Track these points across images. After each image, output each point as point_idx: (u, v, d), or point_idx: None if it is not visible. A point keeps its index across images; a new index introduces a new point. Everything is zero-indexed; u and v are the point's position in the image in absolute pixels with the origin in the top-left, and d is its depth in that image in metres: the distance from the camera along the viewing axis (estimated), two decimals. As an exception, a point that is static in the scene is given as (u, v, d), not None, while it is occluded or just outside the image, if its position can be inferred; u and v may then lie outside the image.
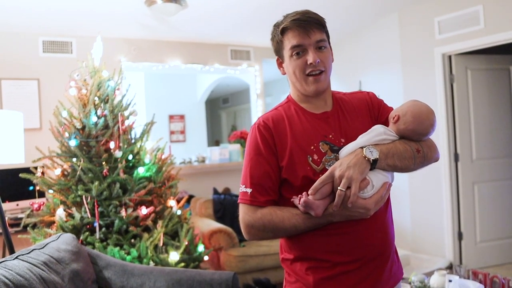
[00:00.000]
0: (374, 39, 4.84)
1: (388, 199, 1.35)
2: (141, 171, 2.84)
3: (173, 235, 2.92)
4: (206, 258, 3.05)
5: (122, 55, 4.71)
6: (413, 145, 1.25)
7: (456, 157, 4.11)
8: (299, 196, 1.21)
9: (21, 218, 3.40)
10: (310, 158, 1.25)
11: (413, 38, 4.35)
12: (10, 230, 2.42)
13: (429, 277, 2.52)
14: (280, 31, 1.32)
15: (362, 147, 1.20)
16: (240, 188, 1.31)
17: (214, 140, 10.03)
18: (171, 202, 2.95)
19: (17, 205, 3.77)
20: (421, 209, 4.36)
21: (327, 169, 1.22)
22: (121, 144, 2.77)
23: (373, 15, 4.60)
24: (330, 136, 1.28)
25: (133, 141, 2.93)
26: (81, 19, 4.05)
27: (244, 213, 1.29)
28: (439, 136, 4.11)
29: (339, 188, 1.14)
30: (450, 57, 4.11)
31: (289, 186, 1.28)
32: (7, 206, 3.64)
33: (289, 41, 1.29)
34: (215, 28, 4.71)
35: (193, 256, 2.87)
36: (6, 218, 2.32)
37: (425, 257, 4.18)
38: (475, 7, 3.74)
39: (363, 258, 1.25)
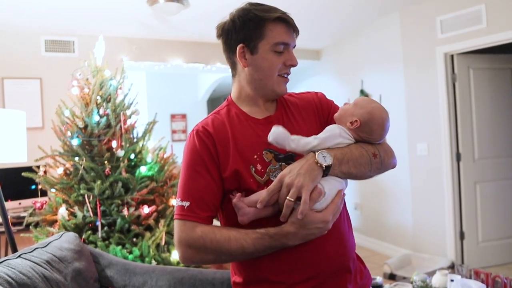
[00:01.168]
0: (376, 38, 4.83)
1: (345, 205, 1.25)
2: (143, 170, 2.84)
3: (175, 234, 2.92)
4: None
5: (124, 54, 4.71)
6: (369, 149, 1.15)
7: (458, 157, 4.10)
8: (233, 193, 1.12)
9: (23, 217, 3.41)
10: (253, 169, 1.13)
11: (414, 37, 4.34)
12: (13, 228, 2.42)
13: (431, 276, 2.52)
14: (271, 18, 1.16)
15: (314, 152, 1.09)
16: (176, 201, 1.15)
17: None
18: (173, 201, 2.95)
19: (20, 204, 3.78)
20: (423, 209, 4.36)
21: (272, 180, 1.10)
22: (123, 143, 2.78)
23: (375, 14, 4.59)
24: None
25: (135, 140, 2.94)
26: (83, 18, 4.05)
27: (180, 230, 1.11)
28: (441, 136, 4.10)
29: (287, 198, 1.03)
30: (452, 56, 4.10)
31: (231, 199, 1.14)
32: (10, 205, 3.65)
33: (277, 33, 1.16)
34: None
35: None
36: (9, 217, 2.32)
37: (426, 257, 4.18)
38: (477, 6, 3.73)
39: (321, 273, 1.13)
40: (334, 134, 1.14)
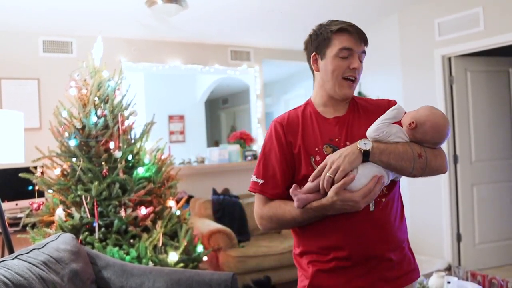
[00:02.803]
0: (374, 40, 4.80)
1: (398, 198, 1.40)
2: (140, 171, 2.84)
3: (172, 236, 2.92)
4: (205, 258, 3.05)
5: (122, 55, 4.71)
6: (416, 149, 1.26)
7: (456, 159, 4.11)
8: (294, 185, 1.29)
9: (20, 218, 3.40)
10: (313, 159, 1.32)
11: (413, 40, 4.36)
12: (9, 229, 2.42)
13: (427, 278, 2.52)
14: (335, 29, 1.35)
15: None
16: (252, 178, 1.40)
17: (213, 141, 10.03)
18: (171, 203, 2.95)
19: (17, 204, 3.77)
20: (420, 211, 4.36)
21: None
22: (120, 144, 2.78)
23: (373, 16, 4.61)
24: (336, 139, 1.34)
25: (132, 141, 2.94)
26: (81, 19, 4.05)
27: (256, 205, 1.40)
28: (439, 138, 4.11)
29: (327, 173, 1.20)
30: (450, 58, 4.11)
31: (296, 181, 1.35)
32: (6, 205, 3.64)
33: (341, 41, 1.34)
34: (215, 29, 4.71)
35: (192, 256, 2.88)
36: (5, 218, 2.32)
37: (424, 259, 4.18)
38: (475, 9, 3.75)
39: (358, 254, 1.29)
40: (390, 131, 1.26)
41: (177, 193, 3.13)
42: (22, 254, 1.72)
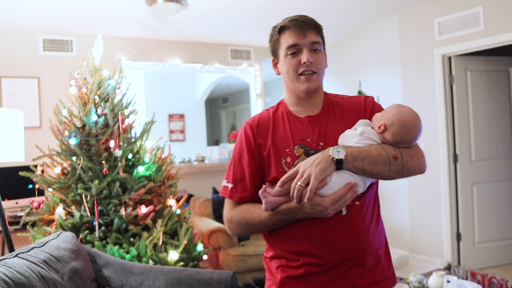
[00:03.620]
0: (374, 40, 4.85)
1: (374, 202, 1.34)
2: (140, 170, 2.84)
3: (172, 234, 2.92)
4: (205, 257, 3.05)
5: (123, 54, 4.71)
6: (390, 151, 1.21)
7: (455, 158, 4.12)
8: (264, 185, 1.27)
9: (20, 216, 3.40)
10: (284, 161, 1.29)
11: (413, 39, 4.36)
12: (10, 228, 2.42)
13: (427, 277, 2.52)
14: (278, 30, 1.35)
15: (331, 147, 1.20)
16: (223, 182, 1.39)
17: (213, 140, 10.04)
18: (171, 201, 2.95)
19: (17, 203, 3.77)
20: (420, 210, 4.37)
21: None
22: (121, 143, 2.78)
23: (373, 16, 4.60)
24: (308, 139, 1.29)
25: (133, 140, 2.94)
26: (81, 17, 4.05)
27: (225, 209, 1.38)
28: (438, 137, 4.12)
29: (298, 183, 1.15)
30: (449, 58, 4.11)
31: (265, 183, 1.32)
32: (7, 204, 3.64)
33: (286, 40, 1.33)
34: (215, 28, 4.71)
35: (192, 255, 2.88)
36: (6, 216, 2.32)
37: (423, 258, 4.19)
38: (475, 8, 3.75)
39: (328, 260, 1.24)
40: (357, 132, 1.24)
41: (177, 192, 3.13)
42: (22, 253, 1.72)
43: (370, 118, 1.33)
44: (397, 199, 4.60)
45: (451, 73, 4.12)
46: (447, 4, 3.99)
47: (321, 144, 1.28)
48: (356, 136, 1.23)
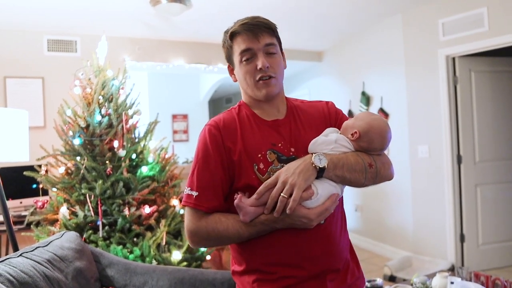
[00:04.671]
0: (378, 40, 4.84)
1: (341, 207, 1.33)
2: (144, 170, 2.85)
3: (175, 234, 2.93)
4: (208, 257, 3.05)
5: (127, 54, 4.72)
6: (366, 159, 1.22)
7: (459, 159, 4.10)
8: (235, 195, 1.19)
9: (24, 216, 3.42)
10: (256, 167, 1.21)
11: (416, 40, 4.35)
12: (14, 227, 2.43)
13: (431, 278, 2.52)
14: (229, 36, 1.29)
15: (312, 154, 1.18)
16: (185, 190, 1.26)
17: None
18: (174, 201, 2.96)
19: (21, 202, 3.79)
20: (424, 211, 4.35)
21: None
22: (124, 143, 2.79)
23: (377, 16, 4.60)
24: (279, 145, 1.24)
25: (136, 140, 2.94)
26: (86, 18, 4.06)
27: (188, 220, 1.24)
28: (442, 138, 4.11)
29: (281, 194, 1.11)
30: (454, 59, 4.10)
31: (234, 191, 1.24)
32: (11, 203, 3.66)
33: (238, 46, 1.26)
34: (219, 28, 4.68)
35: (195, 255, 2.88)
36: (10, 216, 2.33)
37: (427, 259, 4.18)
38: (480, 9, 3.73)
39: (310, 270, 1.21)
40: (330, 139, 1.23)
41: (181, 192, 3.14)
42: (26, 252, 1.73)
43: (335, 123, 1.34)
44: (400, 200, 4.59)
45: (455, 74, 4.10)
46: (451, 5, 3.98)
47: (292, 150, 1.24)
48: (331, 143, 1.22)
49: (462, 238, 4.09)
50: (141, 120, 3.07)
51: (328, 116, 1.36)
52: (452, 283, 2.30)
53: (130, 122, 2.94)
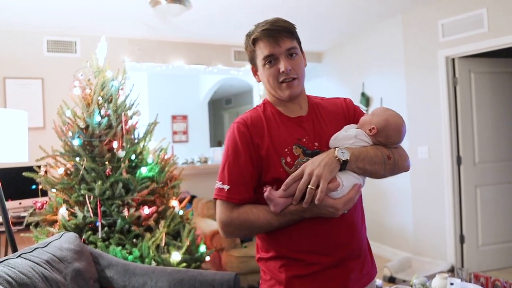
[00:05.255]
0: (378, 41, 4.84)
1: (361, 200, 1.42)
2: (143, 171, 2.85)
3: (175, 235, 2.92)
4: (207, 258, 3.05)
5: (126, 55, 4.72)
6: (384, 152, 1.31)
7: (459, 160, 4.10)
8: (264, 188, 1.26)
9: (23, 217, 3.42)
10: (283, 160, 1.29)
11: (416, 41, 4.35)
12: (13, 228, 2.42)
13: (430, 279, 2.51)
14: (251, 41, 1.36)
15: (335, 148, 1.26)
16: (216, 184, 1.32)
17: (216, 141, 10.05)
18: (174, 202, 2.96)
19: (20, 203, 3.79)
20: (423, 212, 4.35)
21: None
22: (124, 144, 2.78)
23: (377, 17, 4.60)
24: (304, 139, 1.32)
25: (136, 141, 2.94)
26: (85, 18, 4.06)
27: (220, 212, 1.31)
28: (442, 139, 4.11)
29: (309, 186, 1.18)
30: (453, 60, 4.10)
31: (262, 183, 1.31)
32: (10, 204, 3.65)
33: (261, 51, 1.34)
34: (218, 29, 4.72)
35: (194, 256, 2.88)
36: (9, 217, 2.33)
37: (426, 260, 4.17)
38: (479, 10, 3.74)
39: (334, 256, 1.30)
40: (351, 134, 1.31)
41: (180, 193, 3.14)
42: (25, 253, 1.73)
43: (353, 119, 1.43)
44: (400, 201, 4.59)
45: (455, 75, 4.10)
46: (451, 6, 3.98)
47: (316, 144, 1.32)
48: (351, 138, 1.30)
49: (462, 239, 4.09)
50: (140, 121, 3.07)
51: (347, 112, 1.44)
52: (451, 284, 2.29)
53: (130, 123, 2.94)
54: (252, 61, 1.41)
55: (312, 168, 1.20)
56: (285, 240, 1.31)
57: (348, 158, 1.23)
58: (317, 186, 1.18)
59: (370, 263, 1.42)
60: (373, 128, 1.31)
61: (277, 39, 1.31)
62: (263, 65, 1.34)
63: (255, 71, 1.43)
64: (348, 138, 1.30)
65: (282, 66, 1.31)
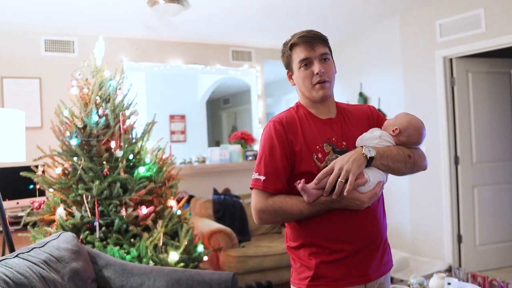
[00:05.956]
0: (376, 41, 4.84)
1: (382, 194, 1.54)
2: (141, 170, 2.84)
3: (172, 235, 2.92)
4: (205, 258, 3.05)
5: (124, 55, 4.72)
6: (405, 151, 1.46)
7: (456, 160, 4.11)
8: (298, 181, 1.37)
9: (21, 217, 3.40)
10: (315, 156, 1.43)
11: (414, 41, 4.36)
12: (10, 228, 2.42)
13: (428, 279, 2.52)
14: (289, 47, 1.51)
15: (362, 146, 1.40)
16: (254, 175, 1.46)
17: (214, 141, 10.03)
18: (171, 202, 2.95)
19: (18, 203, 3.78)
20: (421, 212, 4.36)
21: None
22: (122, 144, 2.78)
23: (375, 18, 4.60)
24: (333, 139, 1.46)
25: (134, 140, 2.94)
26: (83, 18, 4.06)
27: (256, 200, 1.44)
28: (440, 139, 4.11)
29: (339, 179, 1.32)
30: (451, 60, 4.11)
31: (295, 176, 1.43)
32: (8, 204, 3.64)
33: (298, 55, 1.48)
34: (216, 29, 4.72)
35: (192, 256, 2.88)
36: (7, 216, 2.32)
37: (424, 260, 4.18)
38: (477, 10, 3.75)
39: (358, 245, 1.43)
40: (375, 136, 1.46)
41: (178, 192, 3.13)
42: (23, 253, 1.72)
43: (376, 124, 1.57)
44: (398, 200, 4.60)
45: (453, 75, 4.11)
46: (449, 6, 3.99)
47: (344, 143, 1.46)
48: (376, 139, 1.44)
49: (459, 239, 4.10)
50: (138, 121, 3.06)
51: (371, 117, 1.59)
52: (449, 284, 2.30)
53: (128, 122, 2.93)
54: (288, 66, 1.56)
55: (342, 164, 1.34)
56: (314, 229, 1.44)
57: (374, 155, 1.36)
58: (346, 180, 1.31)
59: (388, 255, 1.54)
60: (396, 129, 1.46)
61: (312, 44, 1.47)
62: (299, 68, 1.49)
63: (290, 76, 1.58)
64: (373, 139, 1.45)
65: (316, 68, 1.45)
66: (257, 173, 1.46)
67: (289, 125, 1.48)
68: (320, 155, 1.43)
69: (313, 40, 1.48)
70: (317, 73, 1.45)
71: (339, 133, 1.48)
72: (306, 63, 1.47)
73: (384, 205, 1.57)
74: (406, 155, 1.45)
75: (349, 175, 1.32)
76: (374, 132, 1.48)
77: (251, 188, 1.48)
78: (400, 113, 1.54)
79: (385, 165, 1.41)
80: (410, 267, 4.17)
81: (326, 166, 1.40)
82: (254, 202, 1.45)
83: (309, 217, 1.42)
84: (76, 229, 2.61)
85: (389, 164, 1.41)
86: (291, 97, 7.83)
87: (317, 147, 1.44)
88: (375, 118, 1.60)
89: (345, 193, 1.31)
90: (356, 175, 1.33)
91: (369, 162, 1.37)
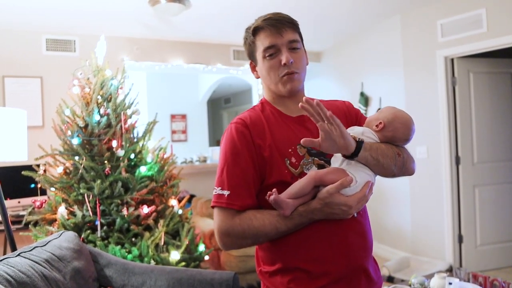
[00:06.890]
0: (376, 41, 4.84)
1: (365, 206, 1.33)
2: (143, 170, 2.84)
3: (174, 235, 2.92)
4: (206, 257, 3.05)
5: (125, 54, 4.72)
6: (394, 149, 1.24)
7: (457, 160, 4.11)
8: (269, 192, 1.13)
9: (22, 216, 3.41)
10: (288, 161, 1.20)
11: (415, 41, 4.35)
12: (12, 227, 2.42)
13: (429, 279, 2.52)
14: (252, 32, 1.28)
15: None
16: (215, 190, 1.21)
17: (215, 140, 10.04)
18: (173, 202, 2.96)
19: (19, 202, 3.78)
20: (422, 212, 4.36)
21: (305, 173, 1.18)
22: (123, 143, 2.78)
23: (376, 17, 4.60)
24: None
25: (135, 140, 2.94)
26: (84, 17, 4.06)
27: (219, 220, 1.18)
28: (441, 139, 4.11)
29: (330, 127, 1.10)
30: (452, 60, 4.11)
31: (265, 187, 1.20)
32: (9, 203, 3.65)
33: (262, 42, 1.26)
34: (217, 29, 4.72)
35: (193, 255, 2.88)
36: (8, 215, 2.33)
37: (425, 260, 4.18)
38: (478, 10, 3.74)
39: (346, 265, 1.19)
40: (358, 132, 1.23)
41: (179, 192, 3.13)
42: (24, 252, 1.73)
43: (355, 122, 1.36)
44: (398, 200, 4.60)
45: (454, 75, 4.11)
46: (450, 6, 3.98)
47: None
48: (359, 135, 1.22)
49: (460, 239, 4.10)
50: (139, 120, 3.07)
51: (349, 114, 1.37)
52: (450, 284, 2.30)
53: (129, 122, 2.93)
54: (251, 55, 1.33)
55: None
56: (292, 248, 1.19)
57: (363, 140, 1.15)
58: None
59: (377, 272, 1.32)
60: (380, 122, 1.25)
61: (279, 29, 1.23)
62: (263, 58, 1.26)
63: (253, 67, 1.35)
64: (356, 135, 1.23)
65: (283, 58, 1.22)
66: (219, 188, 1.19)
67: (254, 127, 1.23)
68: (293, 160, 1.19)
69: (281, 24, 1.24)
70: (284, 64, 1.22)
71: (315, 131, 1.18)
72: (272, 52, 1.24)
73: (368, 215, 1.33)
74: (395, 152, 1.22)
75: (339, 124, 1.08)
76: (355, 129, 1.26)
77: (213, 207, 1.21)
78: (384, 107, 1.33)
79: (375, 158, 1.16)
80: (410, 267, 4.17)
81: (302, 171, 1.18)
82: (217, 224, 1.18)
83: (286, 234, 1.17)
84: (77, 228, 2.61)
85: (379, 158, 1.16)
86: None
87: (290, 150, 1.20)
88: (353, 116, 1.38)
89: (326, 192, 1.10)
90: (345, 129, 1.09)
91: (357, 149, 1.12)
